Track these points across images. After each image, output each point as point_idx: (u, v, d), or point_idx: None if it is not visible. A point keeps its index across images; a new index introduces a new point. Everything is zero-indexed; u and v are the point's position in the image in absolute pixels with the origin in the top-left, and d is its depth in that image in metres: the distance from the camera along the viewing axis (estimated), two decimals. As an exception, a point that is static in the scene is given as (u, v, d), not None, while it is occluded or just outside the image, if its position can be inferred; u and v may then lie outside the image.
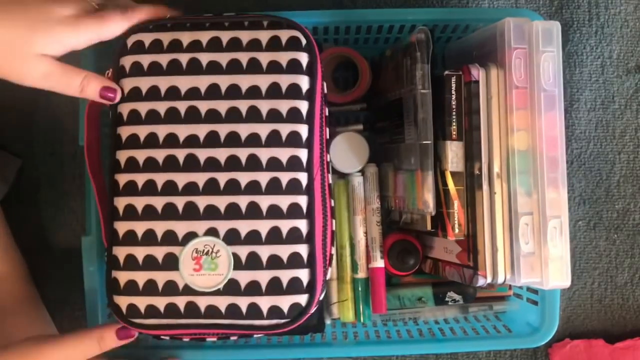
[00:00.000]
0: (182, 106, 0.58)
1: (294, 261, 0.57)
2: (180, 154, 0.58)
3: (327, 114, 0.62)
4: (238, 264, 0.57)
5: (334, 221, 0.62)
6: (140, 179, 0.58)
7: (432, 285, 0.76)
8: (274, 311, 0.57)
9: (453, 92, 0.63)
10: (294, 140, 0.57)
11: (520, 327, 0.72)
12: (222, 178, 0.57)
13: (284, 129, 0.57)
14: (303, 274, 0.57)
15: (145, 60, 0.59)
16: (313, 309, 0.58)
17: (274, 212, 0.57)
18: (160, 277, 0.57)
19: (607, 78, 0.81)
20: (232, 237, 0.57)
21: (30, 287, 0.73)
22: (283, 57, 0.58)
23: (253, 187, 0.57)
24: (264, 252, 0.57)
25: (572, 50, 0.81)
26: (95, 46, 0.68)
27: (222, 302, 0.57)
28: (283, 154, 0.57)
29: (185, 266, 0.57)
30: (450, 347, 0.72)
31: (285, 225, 0.57)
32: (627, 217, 0.81)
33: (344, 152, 0.72)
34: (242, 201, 0.57)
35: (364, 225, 0.72)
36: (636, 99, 0.81)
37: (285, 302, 0.57)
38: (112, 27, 0.58)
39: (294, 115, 0.58)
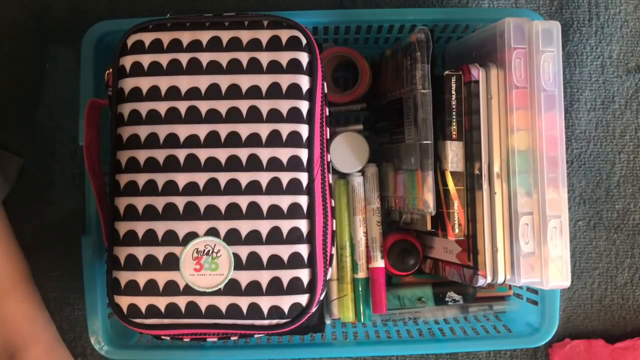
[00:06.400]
0: (182, 106, 0.58)
1: (295, 261, 0.57)
2: (181, 154, 0.58)
3: (327, 114, 0.62)
4: (238, 264, 0.57)
5: (334, 221, 0.62)
6: (141, 179, 0.58)
7: (432, 285, 0.76)
8: (275, 311, 0.57)
9: (453, 92, 0.63)
10: (294, 140, 0.57)
11: (520, 327, 0.72)
12: (223, 178, 0.57)
13: (285, 129, 0.57)
14: (303, 274, 0.57)
15: (146, 60, 0.59)
16: (313, 309, 0.58)
17: (275, 212, 0.57)
18: (161, 277, 0.57)
19: (607, 78, 0.81)
20: (232, 237, 0.57)
21: (32, 287, 0.73)
22: (283, 57, 0.58)
23: (253, 187, 0.57)
24: (265, 252, 0.57)
25: (572, 50, 0.81)
26: (94, 45, 0.69)
27: (222, 302, 0.57)
28: (283, 154, 0.57)
29: (186, 266, 0.57)
30: (450, 347, 0.72)
31: (285, 225, 0.57)
32: (627, 217, 0.81)
33: (344, 152, 0.72)
34: (243, 201, 0.57)
35: (364, 225, 0.72)
36: (636, 99, 0.81)
37: (285, 302, 0.57)
38: None
39: (294, 115, 0.58)
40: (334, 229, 0.62)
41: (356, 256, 0.72)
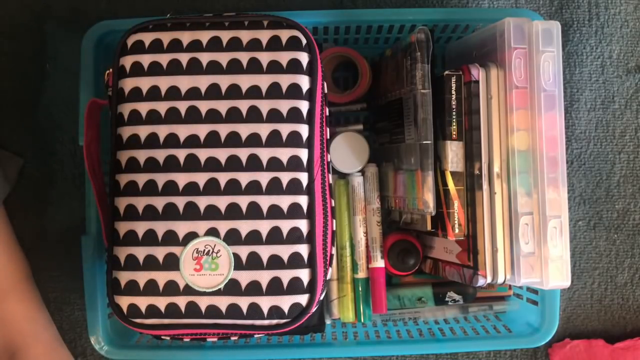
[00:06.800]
0: (182, 106, 0.58)
1: (295, 261, 0.57)
2: (181, 154, 0.58)
3: (327, 113, 0.62)
4: (238, 264, 0.57)
5: (334, 221, 0.62)
6: (141, 179, 0.58)
7: (432, 285, 0.76)
8: (275, 311, 0.57)
9: (453, 92, 0.63)
10: (294, 140, 0.57)
11: (520, 327, 0.72)
12: (223, 178, 0.57)
13: (285, 129, 0.57)
14: (303, 274, 0.57)
15: (146, 60, 0.59)
16: (313, 309, 0.58)
17: (275, 212, 0.57)
18: (161, 277, 0.57)
19: (607, 78, 0.81)
20: (232, 237, 0.57)
21: (32, 287, 0.73)
22: (283, 57, 0.58)
23: (253, 187, 0.57)
24: (265, 252, 0.57)
25: (572, 50, 0.81)
26: (94, 45, 0.69)
27: (222, 302, 0.57)
28: (283, 154, 0.57)
29: (186, 266, 0.57)
30: (450, 347, 0.72)
31: (285, 225, 0.57)
32: (627, 217, 0.81)
33: (344, 152, 0.72)
34: (243, 201, 0.57)
35: (364, 225, 0.72)
36: (636, 99, 0.81)
37: (285, 302, 0.57)
38: None
39: (294, 115, 0.58)
40: (334, 229, 0.62)
41: (356, 256, 0.72)
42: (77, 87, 0.68)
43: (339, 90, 0.77)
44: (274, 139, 0.57)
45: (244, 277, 0.57)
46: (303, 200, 0.57)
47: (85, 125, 0.63)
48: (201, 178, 0.57)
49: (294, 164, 0.57)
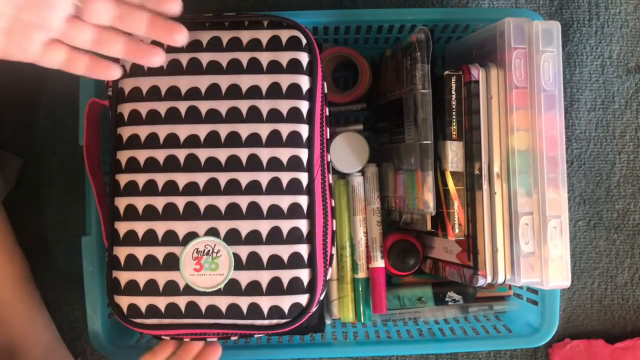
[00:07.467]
0: (182, 106, 0.58)
1: (295, 261, 0.57)
2: (181, 154, 0.58)
3: (327, 113, 0.62)
4: (239, 264, 0.57)
5: (334, 221, 0.62)
6: (141, 179, 0.58)
7: (432, 285, 0.76)
8: (275, 311, 0.57)
9: (453, 92, 0.63)
10: (294, 140, 0.57)
11: (520, 327, 0.72)
12: (223, 178, 0.57)
13: (285, 129, 0.57)
14: (304, 274, 0.57)
15: (146, 60, 0.59)
16: (313, 309, 0.58)
17: (275, 212, 0.57)
18: (161, 277, 0.57)
19: (607, 78, 0.81)
20: (232, 237, 0.57)
21: (32, 287, 0.73)
22: (283, 57, 0.58)
23: (253, 187, 0.57)
24: (265, 252, 0.57)
25: (572, 50, 0.81)
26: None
27: (222, 302, 0.57)
28: (283, 154, 0.57)
29: (186, 266, 0.57)
30: (450, 347, 0.72)
31: (285, 225, 0.57)
32: (627, 217, 0.81)
33: (344, 152, 0.72)
34: (243, 201, 0.57)
35: (364, 225, 0.72)
36: (636, 99, 0.81)
37: (285, 302, 0.57)
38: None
39: (294, 115, 0.58)
40: (334, 229, 0.62)
41: (356, 256, 0.72)
42: (77, 87, 0.68)
43: (339, 90, 0.77)
44: (274, 139, 0.57)
45: (244, 277, 0.57)
46: (303, 200, 0.57)
47: (85, 125, 0.63)
48: (201, 178, 0.57)
49: (294, 164, 0.57)
